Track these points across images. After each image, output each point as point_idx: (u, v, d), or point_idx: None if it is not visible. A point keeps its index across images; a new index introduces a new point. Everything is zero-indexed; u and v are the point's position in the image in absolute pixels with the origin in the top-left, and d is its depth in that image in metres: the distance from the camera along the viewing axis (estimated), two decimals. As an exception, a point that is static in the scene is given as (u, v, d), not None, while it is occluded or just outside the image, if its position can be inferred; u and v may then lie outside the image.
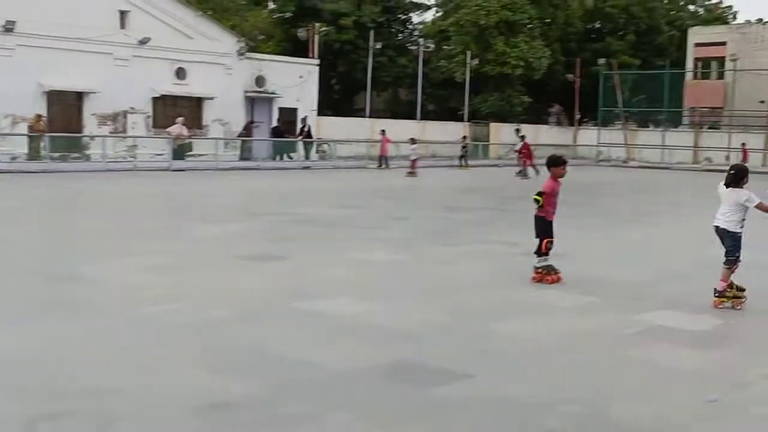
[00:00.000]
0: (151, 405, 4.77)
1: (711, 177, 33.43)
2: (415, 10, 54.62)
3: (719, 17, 63.63)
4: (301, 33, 40.09)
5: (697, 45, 50.06)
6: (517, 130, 34.97)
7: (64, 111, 29.01)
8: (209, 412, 4.68)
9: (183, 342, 6.15)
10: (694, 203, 20.48)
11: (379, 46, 43.23)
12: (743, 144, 36.48)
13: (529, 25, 47.05)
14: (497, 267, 9.94)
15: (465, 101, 45.49)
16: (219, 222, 13.81)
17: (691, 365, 5.92)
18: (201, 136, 31.60)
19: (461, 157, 33.77)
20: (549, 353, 6.10)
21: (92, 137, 28.49)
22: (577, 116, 48.85)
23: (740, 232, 7.80)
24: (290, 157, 33.14)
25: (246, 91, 33.91)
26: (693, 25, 54.84)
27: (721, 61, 48.96)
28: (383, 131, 31.87)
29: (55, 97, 28.58)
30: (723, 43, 48.59)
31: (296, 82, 35.46)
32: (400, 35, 53.24)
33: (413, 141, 28.86)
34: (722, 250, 7.84)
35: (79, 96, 29.45)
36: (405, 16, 53.76)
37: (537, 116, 53.11)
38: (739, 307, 7.65)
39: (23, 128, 27.03)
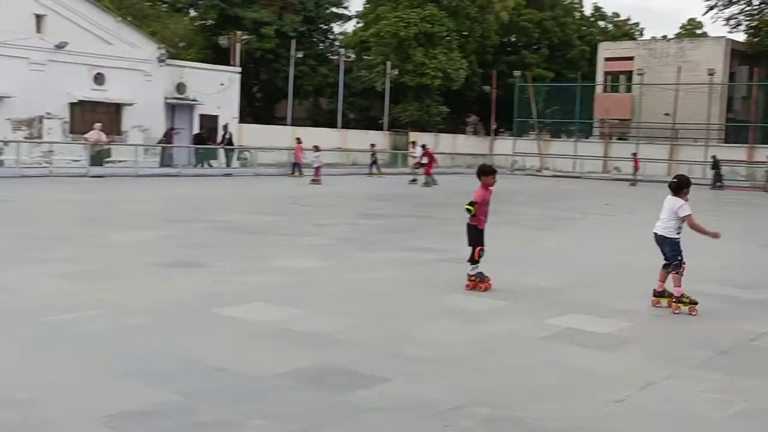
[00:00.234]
0: (61, 415, 4.68)
1: (620, 186, 34.82)
2: (337, 21, 54.91)
3: (627, 33, 66.39)
4: (223, 41, 39.81)
5: (607, 59, 52.01)
6: (413, 143, 35.74)
7: (-23, 116, 28.11)
8: (122, 420, 4.61)
9: (97, 350, 6.02)
10: (604, 211, 21.05)
11: (300, 55, 43.26)
12: (634, 154, 37.83)
13: (447, 38, 47.88)
14: (415, 273, 10.06)
15: (385, 110, 45.91)
16: (136, 229, 13.57)
17: (599, 367, 6.12)
18: (120, 143, 31.00)
19: (371, 164, 34.31)
20: (463, 357, 6.22)
21: (6, 143, 27.69)
22: (494, 126, 49.97)
23: (678, 238, 8.14)
24: (211, 164, 32.83)
25: (167, 98, 33.49)
26: (603, 41, 56.91)
27: (629, 75, 50.97)
28: (299, 139, 32.13)
29: (-33, 102, 27.67)
30: (631, 58, 50.67)
31: (217, 89, 35.21)
32: (321, 45, 53.37)
33: (317, 148, 29.22)
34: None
35: (-7, 101, 28.59)
36: (326, 27, 53.95)
37: (455, 126, 54.15)
38: (694, 314, 7.94)
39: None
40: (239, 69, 37.22)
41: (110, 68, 31.50)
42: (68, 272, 9.05)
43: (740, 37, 55.84)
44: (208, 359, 5.85)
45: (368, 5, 51.95)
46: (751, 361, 6.51)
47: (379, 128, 46.02)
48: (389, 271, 10.07)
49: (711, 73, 42.94)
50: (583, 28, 63.68)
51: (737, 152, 39.45)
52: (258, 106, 52.21)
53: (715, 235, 8.30)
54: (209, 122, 34.75)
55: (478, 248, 8.78)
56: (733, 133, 45.62)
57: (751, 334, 7.32)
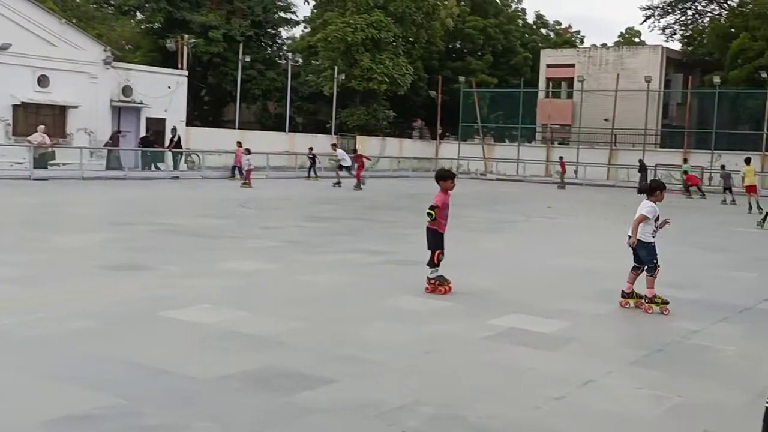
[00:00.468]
0: (0, 420, 4.62)
1: (561, 189, 35.28)
2: (284, 26, 54.70)
3: (568, 41, 67.81)
4: (170, 44, 39.36)
5: (549, 66, 53.08)
6: (334, 145, 36.07)
7: None
8: (64, 425, 4.56)
9: (41, 354, 5.96)
10: (547, 214, 21.32)
11: (248, 59, 43.01)
12: (561, 157, 38.38)
13: (394, 43, 48.21)
14: (360, 275, 10.15)
15: (333, 114, 45.97)
16: (81, 232, 13.38)
17: (541, 366, 6.26)
18: (65, 145, 30.44)
19: (310, 168, 34.47)
20: (408, 358, 6.31)
21: (-53, 145, 27.03)
22: (439, 131, 50.55)
23: (652, 242, 8.36)
24: (158, 167, 32.48)
25: (113, 101, 33.01)
26: (545, 48, 57.94)
27: (569, 81, 52.12)
28: (239, 143, 31.99)
29: None
30: (572, 65, 51.81)
31: (165, 92, 34.83)
32: (269, 49, 53.13)
33: (248, 152, 29.17)
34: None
35: (-68, 102, 27.85)
36: (274, 31, 53.71)
37: (401, 130, 54.57)
38: (666, 313, 8.22)
39: None
40: (186, 72, 36.89)
41: (55, 70, 30.87)
42: (12, 276, 8.91)
43: (676, 45, 57.62)
44: (154, 362, 5.83)
45: (316, 11, 51.94)
46: (686, 359, 6.73)
47: (327, 132, 46.05)
48: (335, 274, 10.12)
49: (648, 80, 43.94)
50: (526, 35, 64.90)
51: (672, 157, 40.36)
52: (206, 110, 51.77)
53: (629, 245, 8.51)
54: (156, 125, 34.36)
55: (438, 252, 8.88)
56: (669, 138, 46.92)
57: (686, 332, 7.56)
